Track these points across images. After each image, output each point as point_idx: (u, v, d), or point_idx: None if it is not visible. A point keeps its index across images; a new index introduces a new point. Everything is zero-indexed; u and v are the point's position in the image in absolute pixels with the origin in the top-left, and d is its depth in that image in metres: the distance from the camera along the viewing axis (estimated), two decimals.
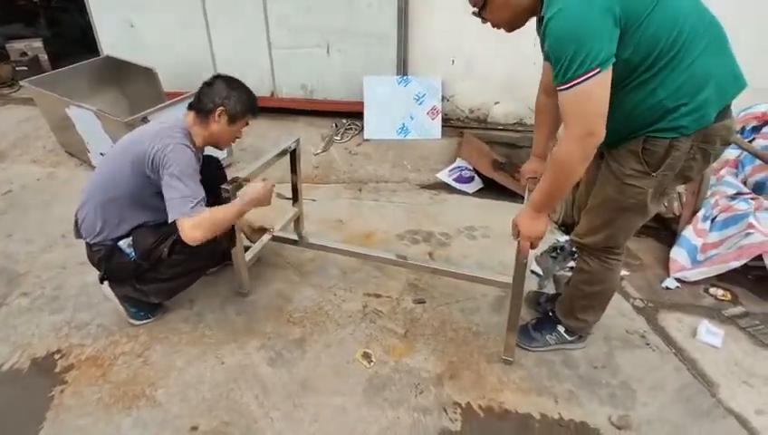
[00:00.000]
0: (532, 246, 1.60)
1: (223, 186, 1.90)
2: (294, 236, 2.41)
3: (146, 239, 1.90)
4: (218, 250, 2.05)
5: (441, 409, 1.73)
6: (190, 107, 1.92)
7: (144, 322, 2.07)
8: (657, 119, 1.39)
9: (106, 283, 2.02)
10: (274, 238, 2.39)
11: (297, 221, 2.48)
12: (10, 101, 4.85)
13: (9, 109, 4.65)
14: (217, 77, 1.93)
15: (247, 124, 2.00)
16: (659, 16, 1.27)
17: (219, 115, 1.87)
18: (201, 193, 1.77)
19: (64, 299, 2.23)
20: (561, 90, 1.27)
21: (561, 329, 1.93)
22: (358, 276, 2.38)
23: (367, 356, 1.93)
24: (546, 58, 1.49)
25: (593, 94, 1.24)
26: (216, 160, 2.29)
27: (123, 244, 1.92)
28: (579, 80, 1.22)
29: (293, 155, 2.30)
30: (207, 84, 1.91)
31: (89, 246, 1.96)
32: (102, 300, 2.18)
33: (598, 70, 1.21)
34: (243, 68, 2.74)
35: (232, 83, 1.91)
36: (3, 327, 2.07)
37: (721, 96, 1.41)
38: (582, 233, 1.70)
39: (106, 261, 1.94)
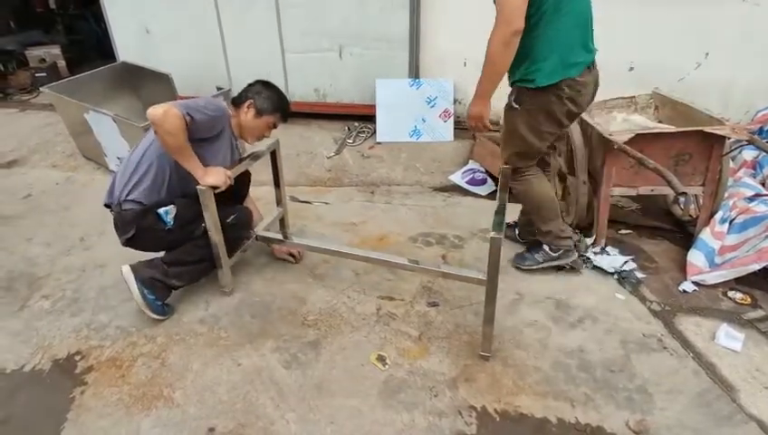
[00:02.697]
0: (477, 127, 2.02)
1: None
2: (280, 236, 2.45)
3: (187, 211, 2.04)
4: (242, 235, 2.29)
5: (456, 412, 1.73)
6: (232, 101, 2.17)
7: (159, 317, 2.10)
8: (523, 66, 1.90)
9: (127, 268, 2.05)
10: (259, 238, 2.41)
11: (282, 221, 2.52)
12: (29, 106, 4.97)
13: (29, 114, 4.75)
14: (259, 81, 2.19)
15: (275, 126, 2.20)
16: None
17: (248, 107, 2.11)
18: (191, 114, 1.87)
19: (83, 301, 2.27)
20: None
21: (545, 247, 2.34)
22: (371, 279, 2.38)
23: (381, 359, 1.94)
24: None
25: None
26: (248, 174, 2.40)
27: (162, 210, 2.00)
28: None
29: (273, 157, 2.35)
30: (250, 84, 2.18)
31: (118, 205, 2.02)
32: (121, 302, 2.22)
33: None
34: (256, 72, 2.78)
35: (268, 85, 2.18)
36: (25, 329, 2.12)
37: (569, 61, 1.90)
38: (503, 162, 2.22)
39: (138, 221, 2.00)
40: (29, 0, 6.47)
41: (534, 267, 2.35)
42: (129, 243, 2.08)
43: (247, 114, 2.11)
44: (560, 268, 2.38)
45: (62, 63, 5.72)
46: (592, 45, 2.02)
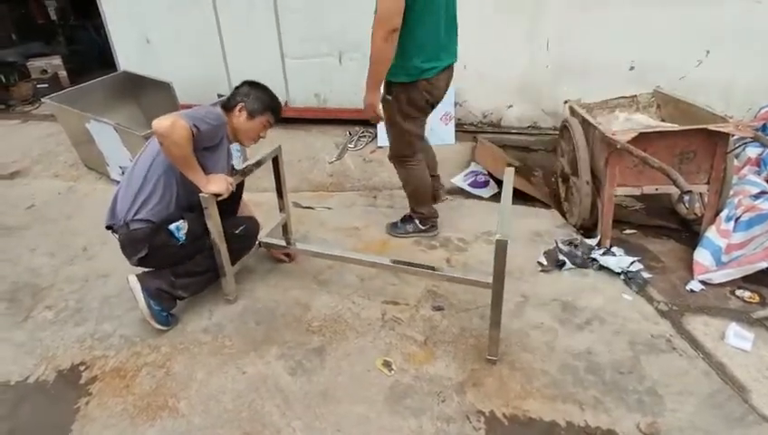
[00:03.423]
0: (372, 116, 2.30)
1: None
2: (283, 242, 2.44)
3: (197, 225, 2.03)
4: (248, 245, 2.29)
5: (464, 417, 1.71)
6: (222, 106, 2.14)
7: (163, 328, 2.09)
8: (394, 63, 2.14)
9: (134, 278, 2.04)
10: (263, 245, 2.41)
11: (285, 227, 2.50)
12: (31, 117, 4.99)
13: (31, 125, 4.77)
14: (245, 82, 2.17)
15: (270, 125, 2.19)
16: None
17: (240, 111, 2.10)
18: (197, 125, 1.87)
19: (87, 311, 2.26)
20: None
21: (416, 221, 2.70)
22: (375, 284, 2.37)
23: (387, 364, 1.92)
24: None
25: None
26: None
27: (173, 226, 1.99)
28: None
29: (276, 163, 2.34)
30: (237, 87, 2.16)
31: (125, 226, 1.98)
32: (125, 311, 2.21)
33: None
34: (257, 78, 2.78)
35: (256, 85, 2.16)
36: (29, 340, 2.11)
37: (429, 63, 2.21)
38: (389, 154, 2.57)
39: (150, 240, 1.98)
40: (30, 12, 6.52)
41: (404, 236, 2.73)
42: (141, 262, 2.05)
43: (240, 117, 2.10)
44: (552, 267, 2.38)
45: (63, 74, 5.74)
46: (455, 48, 2.37)
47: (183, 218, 2.02)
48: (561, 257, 2.44)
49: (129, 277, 2.05)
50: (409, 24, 2.07)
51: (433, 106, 2.42)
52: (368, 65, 2.16)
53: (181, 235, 2.00)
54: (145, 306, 2.02)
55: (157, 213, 1.99)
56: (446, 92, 2.42)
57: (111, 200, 2.06)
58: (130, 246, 2.02)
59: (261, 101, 2.12)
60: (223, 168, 2.10)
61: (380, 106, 2.34)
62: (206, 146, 1.98)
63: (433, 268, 2.08)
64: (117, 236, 2.04)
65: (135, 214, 1.97)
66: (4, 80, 5.45)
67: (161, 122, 1.81)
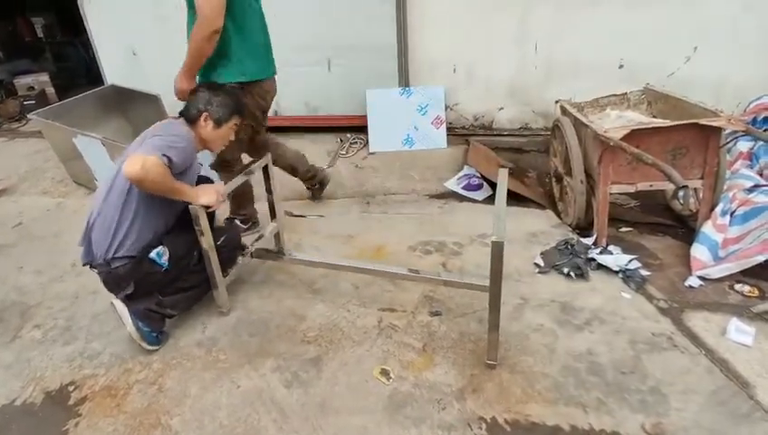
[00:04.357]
0: (183, 98, 2.15)
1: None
2: (275, 250, 2.40)
3: (179, 247, 1.96)
4: (233, 256, 2.25)
5: (466, 424, 1.66)
6: (180, 114, 2.05)
7: (154, 347, 2.03)
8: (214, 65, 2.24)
9: (118, 302, 1.97)
10: (255, 255, 2.37)
11: (277, 236, 2.46)
12: (18, 135, 4.93)
13: (18, 143, 4.72)
14: (200, 85, 2.11)
15: (237, 127, 2.13)
16: None
17: (205, 121, 2.00)
18: (167, 155, 1.79)
19: (76, 329, 2.20)
20: None
21: (237, 221, 2.80)
22: (371, 291, 2.33)
23: (385, 373, 1.88)
24: None
25: None
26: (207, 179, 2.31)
27: (153, 254, 1.91)
28: None
29: (266, 172, 2.31)
30: (191, 93, 2.06)
31: (106, 264, 1.89)
32: (114, 328, 2.16)
33: None
34: None
35: (213, 89, 2.04)
36: (17, 362, 2.05)
37: (254, 67, 2.35)
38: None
39: (133, 274, 1.91)
40: (17, 30, 6.48)
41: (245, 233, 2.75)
42: (129, 298, 1.98)
43: (206, 128, 1.99)
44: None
45: (50, 90, 5.70)
46: (272, 57, 2.51)
47: (162, 244, 1.93)
48: (567, 270, 2.36)
49: (114, 301, 1.98)
50: (232, 24, 2.18)
51: (264, 112, 2.56)
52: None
53: (163, 261, 1.92)
54: (134, 329, 1.95)
55: (137, 247, 1.89)
56: (271, 102, 2.58)
57: (84, 235, 1.94)
58: (114, 284, 1.96)
59: (225, 107, 2.00)
60: (195, 178, 2.04)
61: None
62: (181, 171, 1.90)
63: (438, 273, 2.05)
64: (96, 272, 1.96)
65: (115, 252, 1.87)
66: None
67: (131, 168, 1.70)
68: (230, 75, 2.28)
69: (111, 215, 1.87)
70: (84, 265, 1.99)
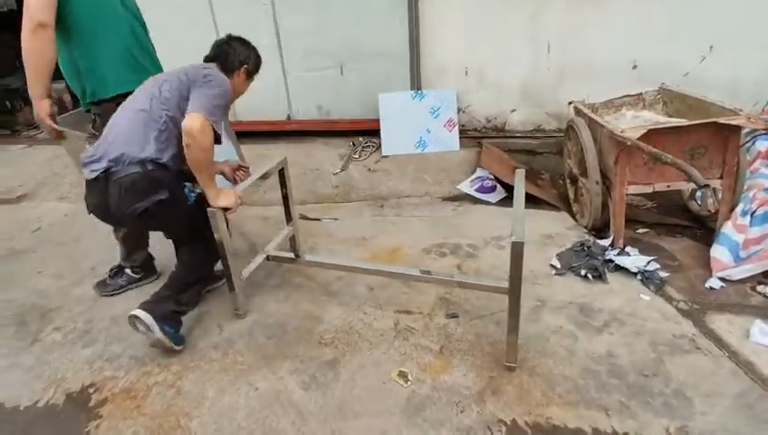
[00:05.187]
0: (46, 127, 2.16)
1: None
2: (291, 255, 2.39)
3: (202, 211, 1.97)
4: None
5: (485, 427, 1.65)
6: (211, 60, 2.03)
7: (180, 347, 2.04)
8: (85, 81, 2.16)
9: (143, 311, 1.92)
10: (271, 258, 2.37)
11: (293, 240, 2.46)
12: (36, 142, 5.02)
13: (36, 149, 4.80)
14: (231, 38, 2.09)
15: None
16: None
17: (242, 73, 2.05)
18: (215, 118, 1.79)
19: (96, 332, 2.23)
20: None
21: (128, 271, 2.48)
22: (386, 293, 2.33)
23: (403, 375, 1.87)
24: None
25: None
26: None
27: (187, 185, 1.97)
28: None
29: (282, 175, 2.30)
30: (226, 43, 2.06)
31: (140, 164, 1.77)
32: (133, 331, 2.17)
33: None
34: (259, 93, 2.79)
35: (247, 44, 2.11)
36: (37, 364, 2.07)
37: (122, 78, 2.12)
38: None
39: (168, 183, 1.84)
40: None
41: (118, 292, 2.47)
42: (146, 212, 1.81)
43: (240, 79, 2.06)
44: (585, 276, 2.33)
45: (67, 97, 5.78)
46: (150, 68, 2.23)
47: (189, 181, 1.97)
48: (584, 272, 2.34)
49: (138, 312, 1.92)
50: (82, 34, 2.04)
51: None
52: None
53: (193, 196, 1.98)
54: (162, 335, 1.94)
55: (175, 165, 1.88)
56: None
57: (93, 153, 1.82)
58: (146, 186, 1.78)
59: (258, 62, 2.12)
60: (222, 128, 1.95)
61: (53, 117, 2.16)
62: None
63: (453, 275, 2.04)
64: (114, 178, 1.78)
65: (152, 155, 1.79)
66: (9, 106, 5.50)
67: (193, 121, 1.73)
68: (104, 90, 2.13)
69: (149, 121, 1.81)
70: (96, 177, 1.80)
